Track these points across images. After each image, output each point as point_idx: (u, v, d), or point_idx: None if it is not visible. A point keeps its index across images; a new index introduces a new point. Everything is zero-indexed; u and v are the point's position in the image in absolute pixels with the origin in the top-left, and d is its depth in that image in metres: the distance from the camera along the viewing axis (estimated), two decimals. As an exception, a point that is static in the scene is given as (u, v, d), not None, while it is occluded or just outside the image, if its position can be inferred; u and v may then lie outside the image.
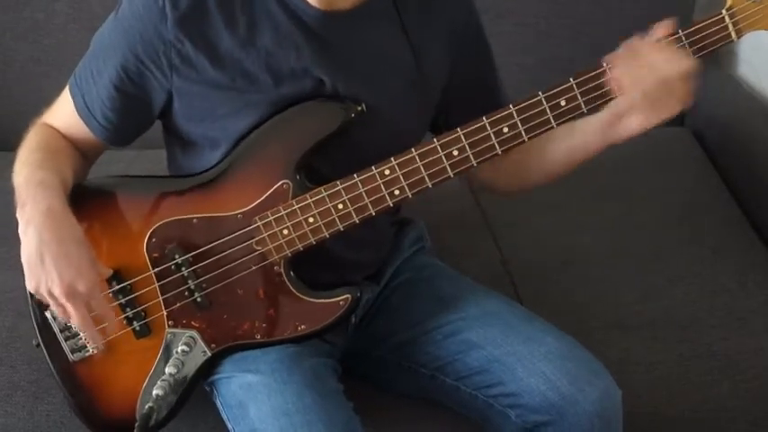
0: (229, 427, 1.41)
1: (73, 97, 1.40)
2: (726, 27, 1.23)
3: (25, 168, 1.33)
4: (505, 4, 2.10)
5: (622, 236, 1.85)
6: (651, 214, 1.90)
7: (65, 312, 1.30)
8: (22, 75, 2.11)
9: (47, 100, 1.45)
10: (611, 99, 1.27)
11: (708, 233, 1.85)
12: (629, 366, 1.61)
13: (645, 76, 1.24)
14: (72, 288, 1.26)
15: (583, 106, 1.27)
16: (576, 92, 1.26)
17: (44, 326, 1.40)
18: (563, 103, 1.26)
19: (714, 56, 2.23)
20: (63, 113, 1.42)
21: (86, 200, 1.38)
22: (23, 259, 1.28)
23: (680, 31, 1.24)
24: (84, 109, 1.39)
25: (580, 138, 1.37)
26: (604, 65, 1.25)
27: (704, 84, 2.12)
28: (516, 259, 1.76)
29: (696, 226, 1.87)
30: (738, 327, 1.67)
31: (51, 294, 1.28)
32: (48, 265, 1.26)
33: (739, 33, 1.23)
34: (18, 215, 1.29)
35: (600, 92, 1.26)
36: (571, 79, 1.26)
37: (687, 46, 1.24)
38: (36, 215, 1.27)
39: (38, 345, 1.42)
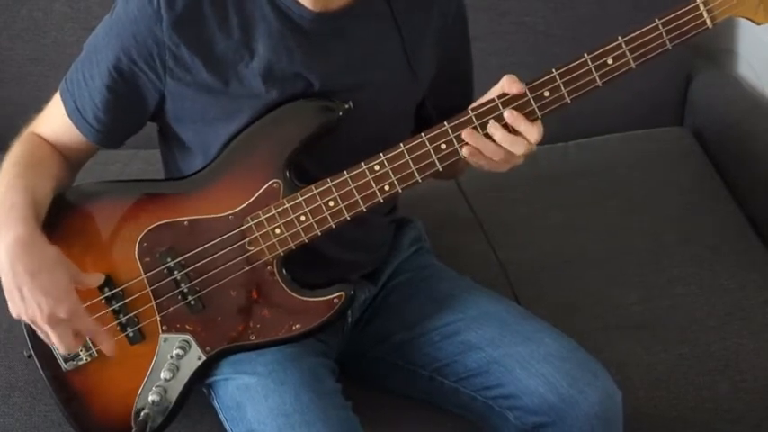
0: (227, 428, 1.41)
1: (64, 102, 1.39)
2: (701, 15, 1.23)
3: (1, 186, 1.32)
4: (505, 4, 2.10)
5: (622, 236, 1.85)
6: (651, 214, 1.89)
7: (48, 338, 1.30)
8: (19, 74, 2.10)
9: (45, 99, 1.45)
10: (595, 88, 1.27)
11: (707, 233, 1.85)
12: (629, 367, 1.60)
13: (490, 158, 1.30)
14: (53, 316, 1.27)
15: (566, 97, 1.27)
16: (559, 82, 1.26)
17: (35, 336, 1.38)
18: (546, 93, 1.27)
19: (714, 56, 2.24)
20: (53, 119, 1.41)
21: (76, 206, 1.38)
22: (4, 289, 1.28)
23: (657, 19, 1.24)
24: (74, 112, 1.38)
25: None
26: (585, 55, 1.26)
27: (704, 84, 2.14)
28: (514, 260, 1.75)
29: (695, 226, 1.86)
30: (738, 327, 1.66)
31: (35, 323, 1.28)
32: (26, 296, 1.26)
33: (714, 20, 1.24)
34: None
35: (582, 81, 1.26)
36: (554, 70, 1.26)
37: (664, 34, 1.24)
38: (8, 246, 1.26)
39: (30, 356, 1.42)
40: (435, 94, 1.46)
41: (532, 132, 1.28)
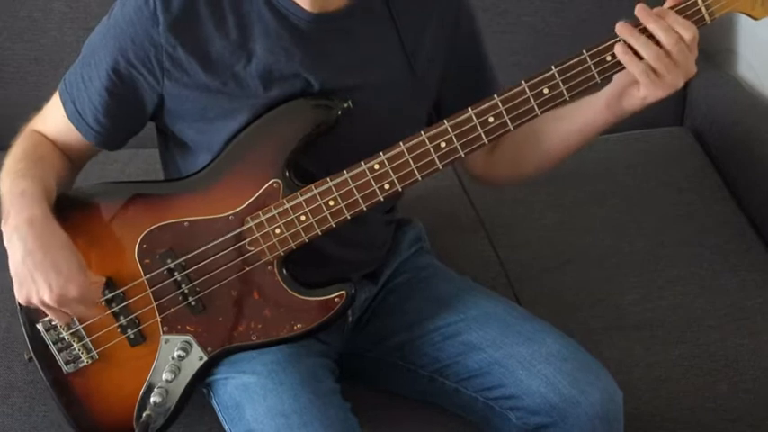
0: (226, 428, 1.41)
1: (63, 104, 1.39)
2: (699, 11, 1.23)
3: (8, 179, 1.33)
4: (505, 3, 2.10)
5: (622, 236, 1.85)
6: (651, 214, 1.89)
7: (63, 317, 1.30)
8: (18, 74, 2.10)
9: (45, 99, 1.45)
10: (593, 85, 1.26)
11: (708, 233, 1.85)
12: (629, 367, 1.61)
13: (644, 51, 1.23)
14: (63, 295, 1.26)
15: (565, 94, 1.27)
16: (558, 80, 1.26)
17: (36, 338, 1.39)
18: (546, 91, 1.26)
19: (714, 56, 2.24)
20: (53, 120, 1.41)
21: (76, 208, 1.38)
22: (11, 271, 1.28)
23: None
24: (74, 114, 1.38)
25: (587, 113, 1.36)
26: (584, 52, 1.25)
27: (704, 84, 2.14)
28: (515, 260, 1.75)
29: (696, 226, 1.86)
30: (738, 327, 1.67)
31: (44, 303, 1.28)
32: (36, 274, 1.26)
33: (712, 16, 1.24)
34: (2, 227, 1.29)
35: (582, 78, 1.26)
36: (552, 67, 1.26)
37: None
38: (19, 226, 1.27)
39: (30, 358, 1.42)
40: (454, 101, 1.40)
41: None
